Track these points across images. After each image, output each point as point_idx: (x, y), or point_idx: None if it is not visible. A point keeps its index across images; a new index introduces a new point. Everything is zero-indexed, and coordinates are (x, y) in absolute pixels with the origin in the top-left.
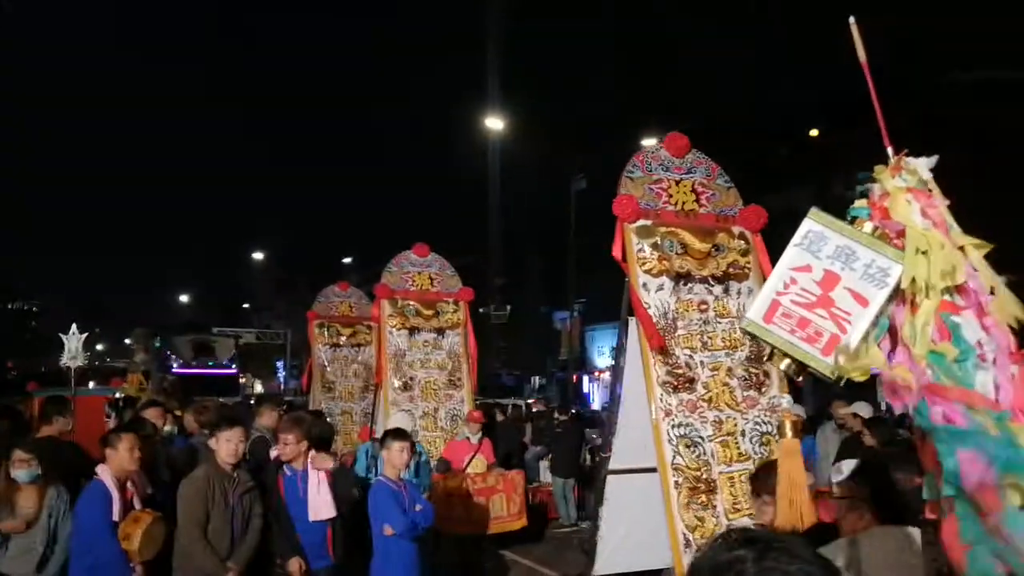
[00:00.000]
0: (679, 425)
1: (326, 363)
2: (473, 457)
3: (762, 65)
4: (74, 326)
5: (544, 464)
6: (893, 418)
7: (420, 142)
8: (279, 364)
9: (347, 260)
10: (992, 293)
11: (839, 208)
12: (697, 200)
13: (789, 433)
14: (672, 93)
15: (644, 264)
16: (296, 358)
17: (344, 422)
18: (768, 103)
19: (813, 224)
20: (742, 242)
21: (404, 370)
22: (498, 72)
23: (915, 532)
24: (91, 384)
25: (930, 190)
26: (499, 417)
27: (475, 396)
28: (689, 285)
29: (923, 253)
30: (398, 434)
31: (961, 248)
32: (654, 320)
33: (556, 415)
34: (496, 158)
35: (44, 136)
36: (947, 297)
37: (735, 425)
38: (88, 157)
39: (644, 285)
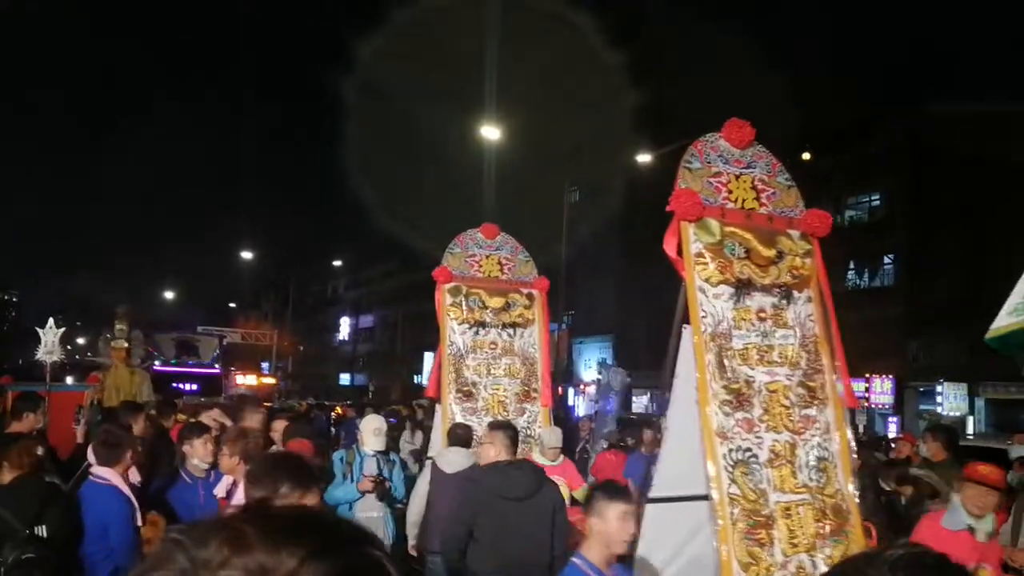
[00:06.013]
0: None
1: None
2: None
3: (754, 89)
4: (51, 320)
5: None
6: (870, 441)
7: (414, 148)
8: (264, 365)
9: (338, 263)
10: None
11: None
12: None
13: None
14: (667, 111)
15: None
16: (281, 359)
17: None
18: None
19: None
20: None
21: (465, 376)
22: (495, 82)
23: None
24: (69, 380)
25: None
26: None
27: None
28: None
29: None
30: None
31: None
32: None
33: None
34: (491, 168)
35: (23, 122)
36: None
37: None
38: (76, 154)
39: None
